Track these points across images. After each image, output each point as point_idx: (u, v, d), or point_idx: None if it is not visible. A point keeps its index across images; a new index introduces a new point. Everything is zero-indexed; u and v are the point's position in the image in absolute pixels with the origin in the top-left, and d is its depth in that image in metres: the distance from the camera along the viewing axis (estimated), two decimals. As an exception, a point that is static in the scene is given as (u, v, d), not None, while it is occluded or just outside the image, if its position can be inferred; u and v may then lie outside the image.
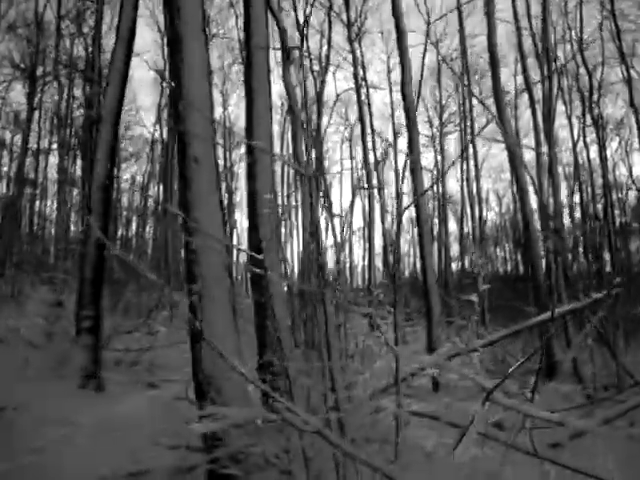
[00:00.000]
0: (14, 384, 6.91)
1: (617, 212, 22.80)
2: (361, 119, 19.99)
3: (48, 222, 25.78)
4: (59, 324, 8.45)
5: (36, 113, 19.92)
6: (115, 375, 8.39)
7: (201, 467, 4.12)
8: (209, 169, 4.20)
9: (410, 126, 9.80)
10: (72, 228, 21.98)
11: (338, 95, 23.88)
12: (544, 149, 14.70)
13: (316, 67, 21.50)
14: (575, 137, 20.26)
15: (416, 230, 10.19)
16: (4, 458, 4.71)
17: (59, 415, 6.05)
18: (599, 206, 20.92)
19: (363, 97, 20.69)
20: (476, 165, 20.60)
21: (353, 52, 20.14)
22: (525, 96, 18.86)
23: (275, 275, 5.24)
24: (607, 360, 8.83)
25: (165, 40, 18.02)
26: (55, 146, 24.02)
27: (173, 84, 4.26)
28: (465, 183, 23.91)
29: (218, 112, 24.82)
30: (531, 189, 12.07)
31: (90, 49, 17.54)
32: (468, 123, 20.96)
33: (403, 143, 24.95)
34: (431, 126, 30.23)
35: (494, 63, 11.19)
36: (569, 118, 20.19)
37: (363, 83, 21.11)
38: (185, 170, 4.12)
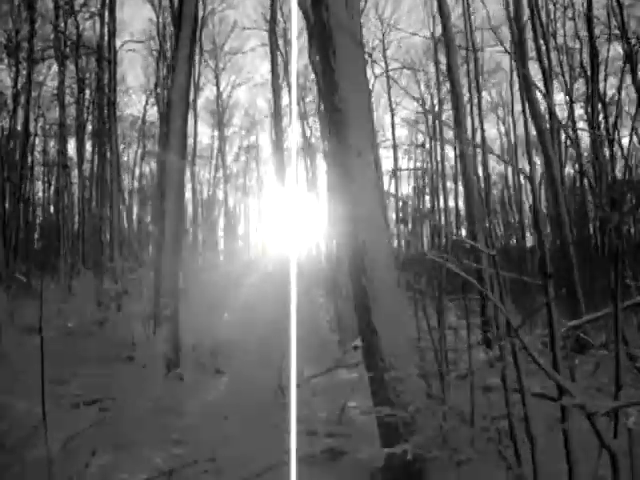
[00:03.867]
0: (110, 374, 6.87)
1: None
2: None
3: (39, 208, 25.03)
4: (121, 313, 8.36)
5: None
6: (181, 361, 8.32)
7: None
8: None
9: (457, 105, 9.91)
10: (77, 215, 21.39)
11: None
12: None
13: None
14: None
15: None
16: (153, 445, 4.71)
17: (167, 404, 6.02)
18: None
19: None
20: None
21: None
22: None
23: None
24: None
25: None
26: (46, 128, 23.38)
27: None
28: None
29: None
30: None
31: (94, 27, 17.02)
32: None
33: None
34: (423, 104, 30.45)
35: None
36: (569, 95, 20.48)
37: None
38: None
